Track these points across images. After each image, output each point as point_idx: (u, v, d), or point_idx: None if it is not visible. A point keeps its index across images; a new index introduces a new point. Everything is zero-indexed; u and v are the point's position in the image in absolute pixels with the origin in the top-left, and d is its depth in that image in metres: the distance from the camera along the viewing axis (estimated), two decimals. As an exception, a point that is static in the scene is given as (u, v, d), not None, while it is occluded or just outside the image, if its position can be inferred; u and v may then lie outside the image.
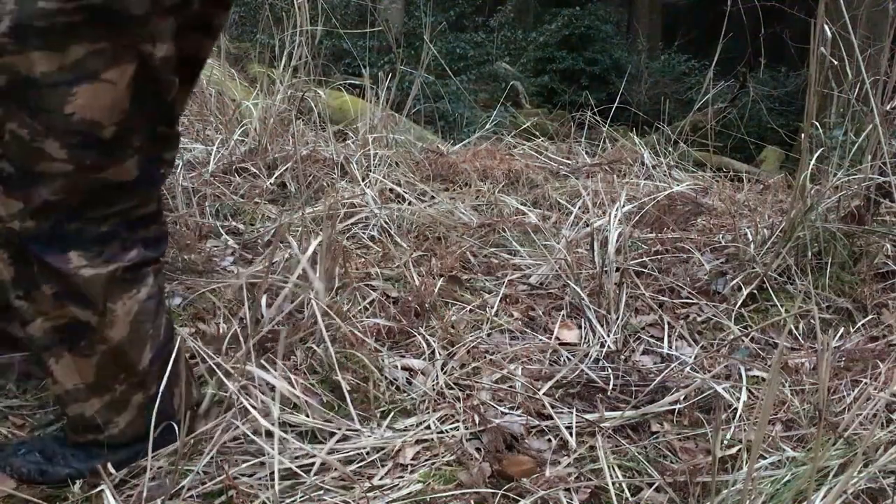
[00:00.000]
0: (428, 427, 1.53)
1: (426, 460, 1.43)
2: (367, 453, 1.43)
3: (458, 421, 1.53)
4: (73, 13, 1.12)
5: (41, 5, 1.11)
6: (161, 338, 1.34)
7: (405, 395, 1.65)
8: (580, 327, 2.01)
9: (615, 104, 4.25)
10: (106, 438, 1.33)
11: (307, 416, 1.49)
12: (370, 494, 1.31)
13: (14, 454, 1.34)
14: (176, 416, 1.35)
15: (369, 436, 1.48)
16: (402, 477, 1.37)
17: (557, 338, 1.94)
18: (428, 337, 1.87)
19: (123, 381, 1.31)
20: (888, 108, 2.49)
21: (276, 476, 1.16)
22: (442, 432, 1.50)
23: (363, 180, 2.80)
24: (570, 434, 1.54)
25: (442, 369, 1.73)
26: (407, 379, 1.70)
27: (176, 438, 1.31)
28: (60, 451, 1.34)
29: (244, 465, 1.35)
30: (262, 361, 1.63)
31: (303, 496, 1.30)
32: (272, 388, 1.45)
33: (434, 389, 1.65)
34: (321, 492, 1.31)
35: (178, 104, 1.34)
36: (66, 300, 1.24)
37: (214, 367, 1.53)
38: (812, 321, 2.03)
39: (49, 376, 1.30)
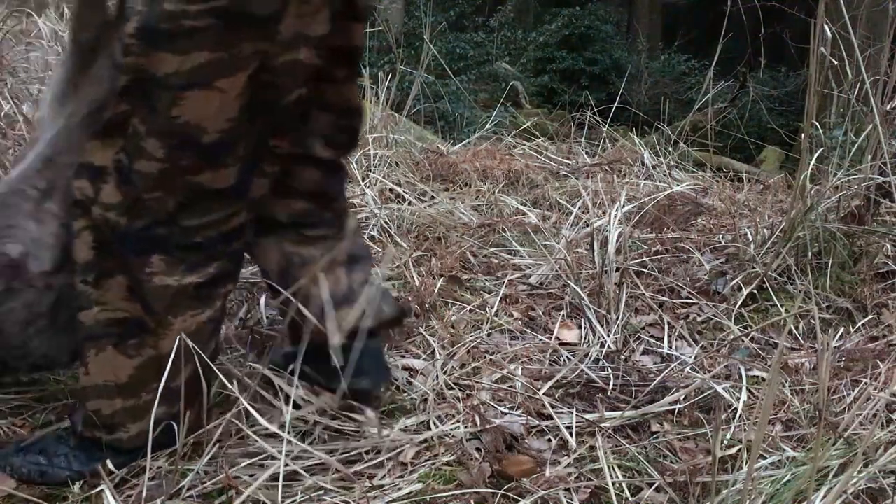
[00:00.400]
0: (428, 427, 1.53)
1: (426, 460, 1.42)
2: (367, 453, 1.44)
3: (458, 421, 1.53)
4: (198, 16, 1.12)
5: (167, 7, 1.12)
6: (198, 359, 1.33)
7: (405, 395, 1.65)
8: (580, 327, 2.01)
9: (615, 104, 4.25)
10: (111, 441, 1.32)
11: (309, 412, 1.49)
12: (370, 494, 1.31)
13: (14, 454, 1.34)
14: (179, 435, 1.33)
15: (368, 437, 1.48)
16: (401, 477, 1.37)
17: (557, 338, 1.94)
18: (428, 337, 1.87)
19: (152, 391, 1.29)
20: (888, 108, 2.50)
21: (281, 477, 1.16)
22: (443, 433, 1.50)
23: (363, 180, 2.80)
24: (570, 434, 1.54)
25: (442, 369, 1.73)
26: (407, 379, 1.70)
27: (173, 444, 1.31)
28: (62, 452, 1.34)
29: (244, 465, 1.35)
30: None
31: (303, 496, 1.30)
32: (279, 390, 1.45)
33: (434, 389, 1.65)
34: (321, 492, 1.31)
35: (294, 111, 1.32)
36: (137, 294, 1.25)
37: (215, 367, 1.53)
38: (812, 321, 2.03)
39: (82, 366, 1.30)
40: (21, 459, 1.33)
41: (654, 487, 1.38)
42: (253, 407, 1.33)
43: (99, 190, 1.22)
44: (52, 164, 1.32)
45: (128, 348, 1.28)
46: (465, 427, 1.51)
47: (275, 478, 1.26)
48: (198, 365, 1.31)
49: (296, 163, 1.45)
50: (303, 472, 1.32)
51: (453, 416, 1.56)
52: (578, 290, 2.09)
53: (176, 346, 1.27)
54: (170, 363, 1.26)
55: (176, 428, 1.27)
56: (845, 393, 1.74)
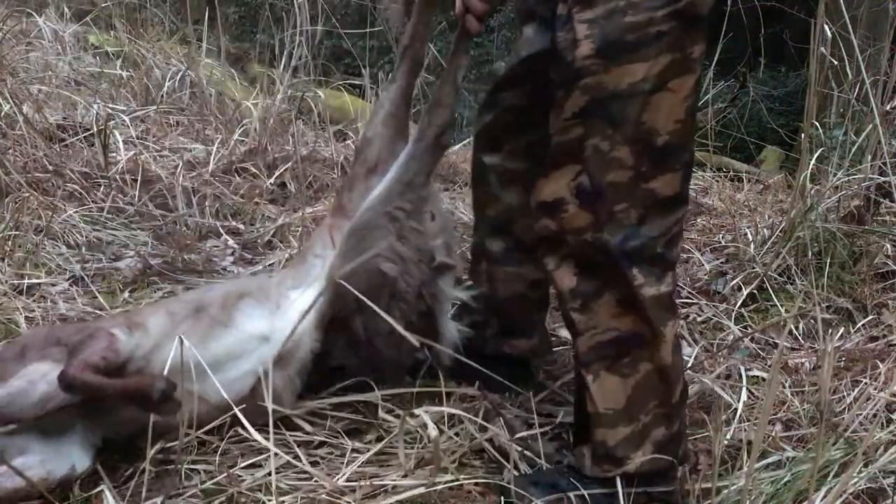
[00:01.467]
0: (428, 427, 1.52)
1: (427, 461, 1.42)
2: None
3: (461, 421, 1.52)
4: (663, 21, 1.15)
5: (629, 20, 1.15)
6: (683, 374, 1.34)
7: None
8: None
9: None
10: (621, 475, 1.28)
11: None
12: (370, 495, 1.31)
13: (532, 485, 1.31)
14: (679, 465, 1.32)
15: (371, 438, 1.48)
16: (405, 476, 1.37)
17: (557, 337, 1.93)
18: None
19: (651, 412, 1.28)
20: (888, 108, 2.50)
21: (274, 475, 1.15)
22: (444, 433, 1.50)
23: (363, 180, 2.80)
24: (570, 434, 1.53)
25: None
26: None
27: (672, 490, 1.30)
28: (571, 489, 1.29)
29: (244, 464, 1.35)
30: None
31: (303, 497, 1.29)
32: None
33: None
34: (321, 492, 1.31)
35: None
36: (626, 312, 1.25)
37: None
38: (812, 321, 2.03)
39: (586, 394, 1.29)
40: (538, 491, 1.29)
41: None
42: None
43: (562, 220, 1.24)
44: (411, 186, 1.50)
45: (621, 368, 1.27)
46: (468, 427, 1.50)
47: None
48: (684, 377, 1.32)
49: None
50: (304, 470, 1.32)
51: (454, 416, 1.55)
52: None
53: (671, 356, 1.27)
54: (671, 375, 1.27)
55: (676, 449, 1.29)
56: (845, 393, 1.73)
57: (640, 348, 1.27)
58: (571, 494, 1.27)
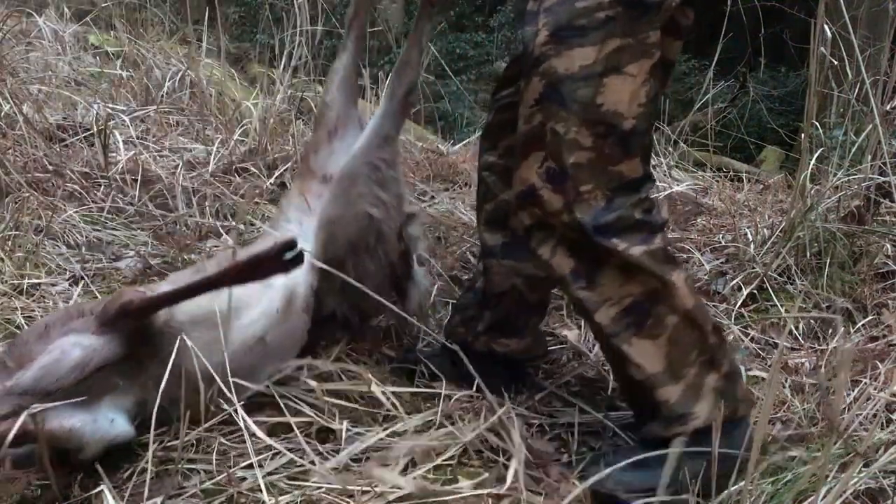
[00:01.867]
0: (430, 427, 1.52)
1: (428, 460, 1.42)
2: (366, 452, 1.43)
3: (460, 420, 1.52)
4: (610, 6, 1.22)
5: (579, 5, 1.22)
6: (710, 316, 1.36)
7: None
8: (580, 327, 2.01)
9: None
10: (689, 432, 1.29)
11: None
12: (371, 494, 1.31)
13: (622, 472, 1.28)
14: (744, 405, 1.35)
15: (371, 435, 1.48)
16: (403, 474, 1.37)
17: (558, 337, 1.93)
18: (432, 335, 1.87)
19: (695, 362, 1.31)
20: (888, 108, 2.50)
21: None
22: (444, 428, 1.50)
23: (363, 180, 2.80)
24: (572, 434, 1.54)
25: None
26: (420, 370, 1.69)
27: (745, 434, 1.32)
28: (644, 458, 1.28)
29: (245, 464, 1.35)
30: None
31: (303, 497, 1.29)
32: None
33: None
34: (322, 491, 1.31)
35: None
36: (630, 276, 1.29)
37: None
38: (812, 321, 2.03)
39: (629, 364, 1.32)
40: (631, 476, 1.28)
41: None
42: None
43: (542, 204, 1.29)
44: (388, 140, 1.64)
45: (649, 330, 1.30)
46: (467, 426, 1.50)
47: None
48: (714, 321, 1.35)
49: None
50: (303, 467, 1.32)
51: (454, 416, 1.55)
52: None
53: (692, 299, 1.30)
54: (697, 318, 1.30)
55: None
56: (845, 393, 1.73)
57: (658, 304, 1.30)
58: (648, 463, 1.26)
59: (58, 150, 2.69)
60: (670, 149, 3.74)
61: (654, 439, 1.32)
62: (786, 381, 1.78)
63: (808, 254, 2.23)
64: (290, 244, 1.32)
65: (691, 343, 1.31)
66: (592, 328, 1.37)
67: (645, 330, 1.30)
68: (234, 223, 2.53)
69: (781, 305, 2.13)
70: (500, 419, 1.46)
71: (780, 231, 2.34)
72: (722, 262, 2.39)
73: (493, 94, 1.63)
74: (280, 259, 1.32)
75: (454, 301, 1.75)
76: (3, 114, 2.65)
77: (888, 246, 2.32)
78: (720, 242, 2.53)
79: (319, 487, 1.30)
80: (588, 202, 1.26)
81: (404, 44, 1.76)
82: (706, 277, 2.29)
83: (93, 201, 2.46)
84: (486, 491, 1.33)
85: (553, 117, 1.26)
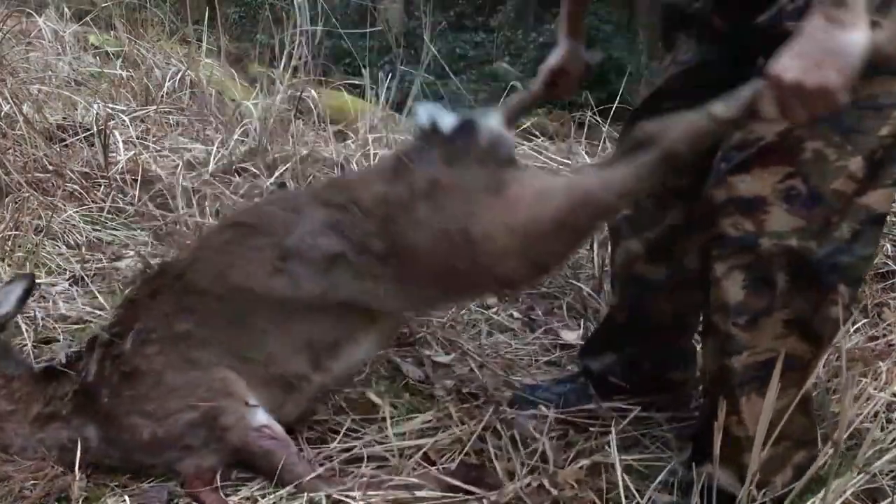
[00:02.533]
0: (430, 427, 1.53)
1: (429, 461, 1.42)
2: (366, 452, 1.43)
3: (462, 422, 1.53)
4: None
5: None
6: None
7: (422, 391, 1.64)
8: (580, 327, 2.01)
9: (615, 104, 4.24)
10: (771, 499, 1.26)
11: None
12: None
13: None
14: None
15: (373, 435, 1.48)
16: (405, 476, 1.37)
17: (558, 337, 1.94)
18: (429, 337, 1.87)
19: (793, 437, 1.26)
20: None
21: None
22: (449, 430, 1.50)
23: (363, 180, 2.80)
24: (572, 434, 1.54)
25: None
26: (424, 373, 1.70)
27: None
28: None
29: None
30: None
31: (305, 498, 1.30)
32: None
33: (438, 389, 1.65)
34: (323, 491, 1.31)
35: None
36: (793, 330, 1.21)
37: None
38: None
39: (734, 418, 1.25)
40: None
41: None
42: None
43: (761, 222, 1.19)
44: None
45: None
46: (468, 427, 1.51)
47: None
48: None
49: None
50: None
51: (455, 416, 1.55)
52: (580, 288, 2.09)
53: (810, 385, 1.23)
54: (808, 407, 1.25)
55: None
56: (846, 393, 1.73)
57: (792, 372, 1.21)
58: None
59: (58, 150, 2.70)
60: None
61: (720, 491, 1.27)
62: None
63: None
64: None
65: (797, 422, 1.26)
66: (710, 367, 1.29)
67: (766, 390, 1.18)
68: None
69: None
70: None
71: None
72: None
73: (648, 101, 1.50)
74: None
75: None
76: (3, 114, 2.65)
77: (888, 246, 2.32)
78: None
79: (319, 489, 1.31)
80: (832, 233, 1.18)
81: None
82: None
83: (93, 201, 2.46)
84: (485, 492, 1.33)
85: (821, 139, 1.16)
